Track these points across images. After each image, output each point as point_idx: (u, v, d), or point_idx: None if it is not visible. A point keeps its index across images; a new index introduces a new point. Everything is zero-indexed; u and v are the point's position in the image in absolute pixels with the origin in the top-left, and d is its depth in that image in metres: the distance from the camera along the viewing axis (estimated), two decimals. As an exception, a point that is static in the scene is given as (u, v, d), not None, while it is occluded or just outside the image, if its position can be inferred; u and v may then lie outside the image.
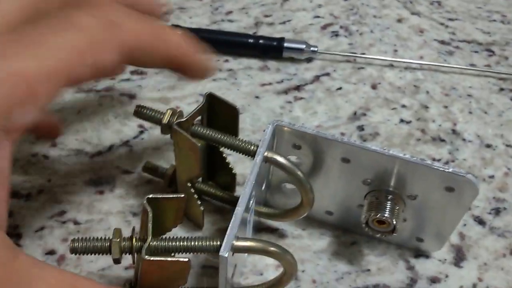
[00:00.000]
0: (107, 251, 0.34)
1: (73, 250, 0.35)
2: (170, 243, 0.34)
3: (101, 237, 0.35)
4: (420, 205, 0.40)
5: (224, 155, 0.44)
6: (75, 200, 0.46)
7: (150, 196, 0.35)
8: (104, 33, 0.31)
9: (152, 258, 0.32)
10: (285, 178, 0.42)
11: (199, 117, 0.41)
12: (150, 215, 0.34)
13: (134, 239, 0.34)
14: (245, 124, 0.53)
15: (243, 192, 0.35)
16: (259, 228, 0.45)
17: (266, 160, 0.37)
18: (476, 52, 0.64)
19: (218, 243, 0.34)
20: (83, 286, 0.30)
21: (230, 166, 0.44)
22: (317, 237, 0.45)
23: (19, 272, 0.27)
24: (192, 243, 0.34)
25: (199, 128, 0.40)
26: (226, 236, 0.32)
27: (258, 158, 0.37)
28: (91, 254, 0.35)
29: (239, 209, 0.34)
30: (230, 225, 0.33)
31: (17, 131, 0.29)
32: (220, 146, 0.41)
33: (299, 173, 0.38)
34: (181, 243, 0.34)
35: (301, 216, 0.41)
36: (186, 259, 0.33)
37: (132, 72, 0.57)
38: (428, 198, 0.39)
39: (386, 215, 0.38)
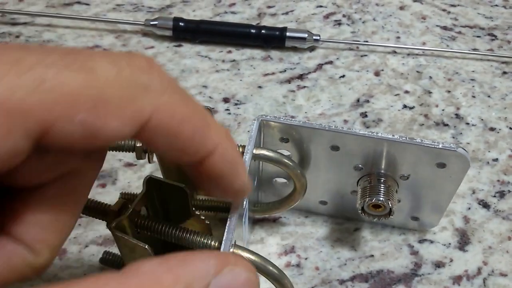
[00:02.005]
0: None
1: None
2: (154, 224, 0.32)
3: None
4: (413, 184, 0.40)
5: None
6: (78, 193, 0.46)
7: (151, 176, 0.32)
8: (117, 91, 0.22)
9: (114, 231, 0.30)
10: (275, 173, 0.42)
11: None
12: (142, 192, 0.32)
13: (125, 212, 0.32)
14: (248, 114, 0.53)
15: None
16: (261, 218, 0.45)
17: (254, 157, 0.36)
18: (478, 37, 0.63)
19: (213, 243, 0.31)
20: None
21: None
22: (320, 224, 0.45)
23: None
24: (183, 234, 0.31)
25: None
26: (223, 243, 0.30)
27: (247, 156, 0.35)
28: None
29: (233, 213, 0.32)
30: (226, 230, 0.31)
31: None
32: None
33: (287, 160, 0.37)
34: (168, 229, 0.32)
35: (296, 202, 0.40)
36: (145, 246, 0.29)
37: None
38: (420, 176, 0.39)
39: (381, 198, 0.38)
